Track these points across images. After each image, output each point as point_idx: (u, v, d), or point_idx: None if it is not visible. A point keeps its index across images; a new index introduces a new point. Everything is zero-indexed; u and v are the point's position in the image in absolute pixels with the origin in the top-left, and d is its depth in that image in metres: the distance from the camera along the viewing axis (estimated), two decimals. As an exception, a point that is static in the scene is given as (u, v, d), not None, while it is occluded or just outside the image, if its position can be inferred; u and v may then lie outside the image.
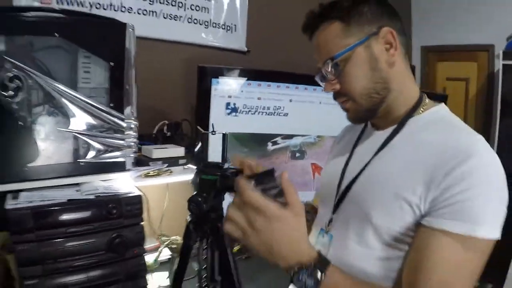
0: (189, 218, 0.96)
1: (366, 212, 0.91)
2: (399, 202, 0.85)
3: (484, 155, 0.82)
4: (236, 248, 2.02)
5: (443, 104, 0.99)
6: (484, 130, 3.76)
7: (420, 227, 0.82)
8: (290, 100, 2.12)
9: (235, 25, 2.52)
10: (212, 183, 0.92)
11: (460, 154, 0.80)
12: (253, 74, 2.06)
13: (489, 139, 3.40)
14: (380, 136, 1.00)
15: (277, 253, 0.76)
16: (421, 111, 0.96)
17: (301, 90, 2.10)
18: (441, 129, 0.90)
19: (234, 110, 2.03)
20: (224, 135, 1.01)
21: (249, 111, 2.06)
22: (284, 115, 2.13)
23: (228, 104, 2.01)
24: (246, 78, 2.03)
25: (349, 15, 0.92)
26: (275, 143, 2.17)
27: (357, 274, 0.87)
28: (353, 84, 0.93)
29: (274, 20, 2.63)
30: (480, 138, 0.86)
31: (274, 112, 2.12)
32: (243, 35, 2.56)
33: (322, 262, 0.78)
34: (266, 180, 0.78)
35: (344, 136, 1.20)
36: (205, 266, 0.97)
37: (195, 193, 0.92)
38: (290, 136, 2.18)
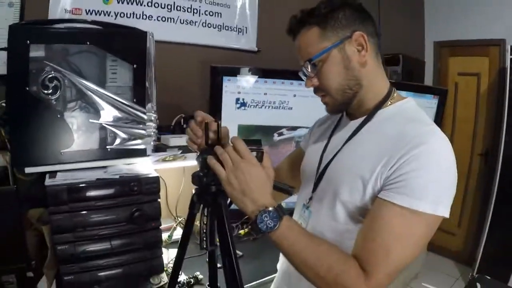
0: (193, 191, 1.10)
1: (335, 190, 1.04)
2: (360, 181, 0.97)
3: (433, 142, 0.91)
4: (242, 232, 2.24)
5: (410, 98, 1.10)
6: (496, 123, 3.79)
7: (375, 199, 0.94)
8: (294, 95, 2.29)
9: (246, 27, 2.70)
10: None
11: (412, 141, 0.91)
12: (260, 72, 2.23)
13: (500, 132, 3.45)
14: (352, 125, 1.11)
15: (249, 194, 0.92)
16: (388, 104, 1.07)
17: (304, 86, 2.22)
18: (401, 120, 1.01)
19: (243, 104, 2.22)
20: (205, 124, 1.10)
21: (256, 105, 2.24)
22: (288, 108, 2.30)
23: (237, 99, 2.20)
24: (253, 76, 2.22)
25: (326, 21, 1.01)
26: (280, 134, 2.34)
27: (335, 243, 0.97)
28: (329, 81, 1.04)
29: (282, 22, 2.78)
30: (433, 128, 0.96)
31: (280, 106, 2.29)
32: (253, 36, 2.74)
33: (282, 210, 0.92)
34: (253, 144, 0.99)
35: (325, 123, 1.31)
36: (204, 231, 1.10)
37: (198, 170, 1.07)
38: (294, 128, 2.35)
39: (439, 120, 2.75)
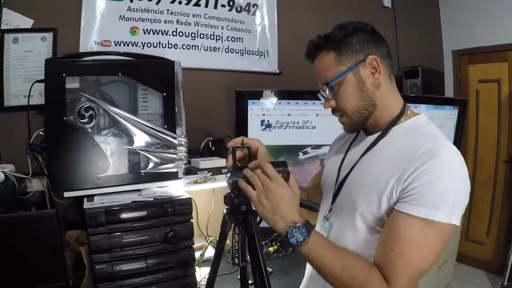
0: (225, 211, 1.16)
1: (353, 202, 1.09)
2: (376, 193, 1.02)
3: (445, 155, 0.96)
4: (272, 249, 2.28)
5: (423, 114, 1.14)
6: None
7: (391, 211, 0.99)
8: (317, 115, 2.35)
9: (267, 50, 2.79)
10: (240, 182, 1.15)
11: (425, 155, 0.95)
12: (283, 94, 2.31)
13: None
14: (368, 140, 1.16)
15: (279, 212, 0.99)
16: (402, 121, 1.11)
17: None
18: (414, 136, 1.05)
19: (268, 126, 2.29)
20: (233, 149, 1.16)
21: (281, 126, 2.31)
22: (312, 128, 2.36)
23: (262, 121, 2.28)
24: (277, 98, 2.29)
25: (341, 46, 1.07)
26: (305, 152, 2.39)
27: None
28: (345, 103, 1.10)
29: (301, 43, 2.85)
30: (446, 143, 1.00)
31: (303, 126, 2.35)
32: (274, 59, 2.82)
33: (310, 225, 0.98)
34: (279, 166, 1.07)
35: (343, 138, 1.36)
36: (237, 248, 1.15)
37: (229, 191, 1.12)
38: (318, 146, 2.39)
39: (460, 130, 2.76)
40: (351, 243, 1.08)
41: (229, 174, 1.14)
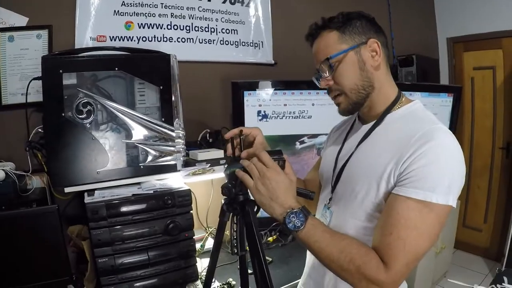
0: (223, 201, 1.18)
1: (352, 189, 1.11)
2: (374, 180, 1.04)
3: (441, 139, 0.97)
4: (271, 239, 2.31)
5: (417, 100, 1.16)
6: None
7: (389, 195, 1.00)
8: (313, 104, 2.36)
9: (261, 42, 2.80)
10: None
11: (420, 139, 0.97)
12: (279, 85, 2.32)
13: None
14: (364, 128, 1.18)
15: (276, 198, 1.01)
16: (397, 107, 1.13)
17: (321, 95, 2.33)
18: (409, 121, 1.07)
19: (265, 116, 2.31)
20: (231, 139, 1.19)
21: (277, 116, 2.33)
22: (308, 117, 2.38)
23: (259, 111, 2.30)
24: (273, 89, 2.30)
25: (345, 27, 1.10)
26: (302, 142, 2.41)
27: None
28: (344, 80, 1.10)
29: (296, 34, 2.85)
30: (440, 127, 1.02)
31: (299, 116, 2.37)
32: (269, 50, 2.83)
33: (307, 211, 1.00)
34: (275, 154, 1.09)
35: (339, 128, 1.38)
36: (235, 237, 1.17)
37: (226, 182, 1.14)
38: (315, 135, 2.41)
39: (455, 117, 2.77)
40: (352, 231, 1.10)
41: (226, 165, 1.18)
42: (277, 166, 1.06)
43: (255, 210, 1.11)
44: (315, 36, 1.15)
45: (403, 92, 1.20)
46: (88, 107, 1.65)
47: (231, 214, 1.16)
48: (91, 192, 1.68)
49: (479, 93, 4.16)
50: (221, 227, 1.20)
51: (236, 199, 1.13)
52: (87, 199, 1.58)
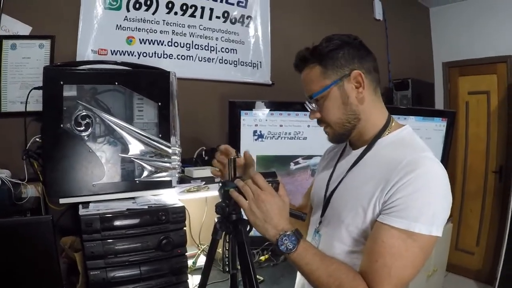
0: (216, 220, 1.19)
1: (339, 215, 1.12)
2: (360, 206, 1.06)
3: (427, 167, 0.99)
4: (263, 258, 2.31)
5: (407, 125, 1.17)
6: (508, 140, 3.86)
7: (375, 222, 1.02)
8: (308, 126, 2.37)
9: (260, 62, 2.82)
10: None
11: (407, 167, 0.99)
12: (275, 105, 2.34)
13: None
14: (354, 154, 1.18)
15: (269, 220, 1.02)
16: (387, 133, 1.14)
17: None
18: (397, 147, 1.09)
19: (261, 136, 2.32)
20: (229, 159, 1.18)
21: (273, 136, 2.34)
22: (303, 138, 2.39)
23: (255, 131, 2.31)
24: (269, 109, 2.32)
25: (326, 60, 1.09)
26: (297, 163, 2.41)
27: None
28: (330, 116, 1.13)
29: (294, 55, 2.89)
30: (427, 155, 1.04)
31: (295, 137, 2.38)
32: (267, 70, 2.86)
33: (300, 233, 1.02)
34: (269, 176, 1.10)
35: (332, 151, 1.39)
36: (227, 255, 1.18)
37: (220, 200, 1.15)
38: (309, 157, 2.42)
39: (448, 141, 2.80)
40: (339, 255, 1.11)
41: (220, 183, 1.17)
42: (271, 188, 1.07)
43: (247, 229, 1.12)
44: (301, 68, 1.17)
45: (394, 116, 1.21)
46: (87, 120, 1.66)
47: (224, 232, 1.17)
48: (85, 204, 1.68)
49: (474, 117, 4.22)
50: (213, 244, 1.20)
51: (229, 218, 1.14)
52: (82, 211, 1.58)
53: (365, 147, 1.16)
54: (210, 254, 1.22)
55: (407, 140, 1.13)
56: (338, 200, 1.17)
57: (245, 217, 1.10)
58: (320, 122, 1.19)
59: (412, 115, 2.67)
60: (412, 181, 0.97)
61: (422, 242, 0.97)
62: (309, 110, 1.19)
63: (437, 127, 2.75)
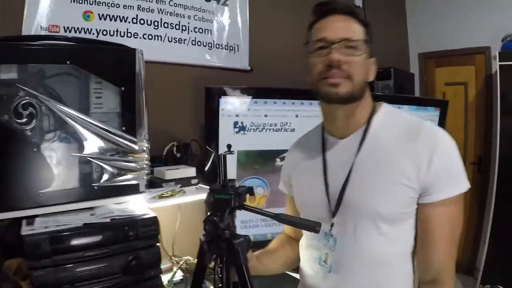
0: (202, 238, 1.00)
1: (370, 207, 1.08)
2: (397, 187, 1.05)
3: (439, 131, 1.09)
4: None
5: (382, 102, 1.21)
6: (486, 131, 3.97)
7: (421, 203, 1.05)
8: (296, 116, 2.19)
9: (237, 45, 2.67)
10: (227, 201, 0.98)
11: (427, 138, 1.05)
12: (259, 92, 2.14)
13: (491, 139, 3.66)
14: (348, 142, 1.16)
15: None
16: (377, 112, 1.17)
17: (306, 105, 2.16)
18: (395, 122, 1.14)
19: (242, 128, 2.11)
20: (219, 156, 1.06)
21: (256, 128, 2.14)
22: (291, 130, 2.20)
23: (236, 123, 2.09)
24: (252, 97, 2.11)
25: (367, 29, 1.14)
26: (283, 158, 2.20)
27: (376, 257, 1.08)
28: (358, 69, 1.09)
29: (276, 38, 2.75)
30: (427, 121, 1.14)
31: (281, 128, 2.19)
32: (245, 54, 2.71)
33: None
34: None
35: (302, 151, 1.34)
36: (220, 285, 1.00)
37: (210, 213, 0.95)
38: (298, 151, 2.23)
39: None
40: (380, 246, 1.09)
41: (209, 189, 1.02)
42: None
43: (246, 246, 0.99)
44: (342, 12, 1.13)
45: (388, 105, 1.24)
46: (30, 110, 1.39)
47: (214, 256, 1.00)
48: (30, 219, 1.40)
49: (451, 109, 4.27)
50: (200, 271, 1.04)
51: (222, 236, 0.96)
52: (25, 230, 1.30)
53: (358, 132, 1.16)
54: (198, 282, 1.05)
55: (395, 113, 1.20)
56: (356, 194, 1.12)
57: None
58: (339, 70, 1.09)
59: (404, 104, 2.61)
60: (439, 151, 1.04)
61: (462, 198, 1.06)
62: (331, 47, 1.10)
63: (430, 117, 2.75)
